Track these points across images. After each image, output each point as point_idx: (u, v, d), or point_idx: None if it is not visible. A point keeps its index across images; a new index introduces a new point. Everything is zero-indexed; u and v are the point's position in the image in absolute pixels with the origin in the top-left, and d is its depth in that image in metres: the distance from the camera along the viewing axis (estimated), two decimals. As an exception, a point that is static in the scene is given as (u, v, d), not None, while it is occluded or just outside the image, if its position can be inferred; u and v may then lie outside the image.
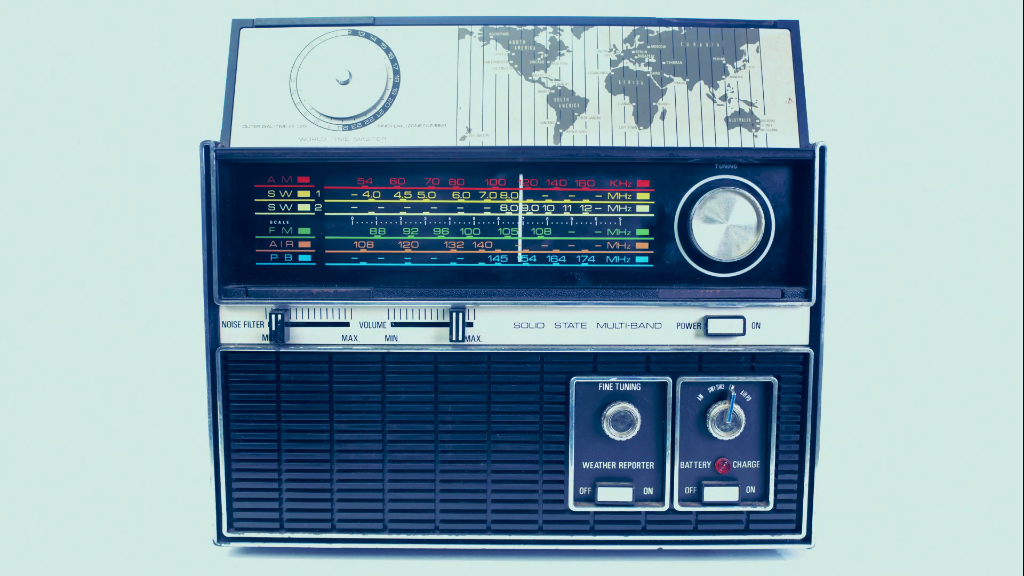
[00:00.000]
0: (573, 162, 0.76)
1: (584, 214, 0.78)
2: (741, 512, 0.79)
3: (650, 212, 0.77)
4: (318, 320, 0.77)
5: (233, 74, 0.78)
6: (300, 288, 0.76)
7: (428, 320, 0.77)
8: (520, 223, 0.77)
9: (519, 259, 0.78)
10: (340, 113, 0.77)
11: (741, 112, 0.77)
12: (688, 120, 0.77)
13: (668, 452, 0.78)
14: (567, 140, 0.76)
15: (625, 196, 0.77)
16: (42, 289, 1.31)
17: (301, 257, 0.78)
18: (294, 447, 0.78)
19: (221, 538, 0.79)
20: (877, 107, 1.31)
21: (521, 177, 0.77)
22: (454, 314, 0.75)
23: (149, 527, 0.86)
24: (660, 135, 0.76)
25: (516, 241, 0.78)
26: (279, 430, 0.78)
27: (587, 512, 0.79)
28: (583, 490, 0.79)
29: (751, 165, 0.76)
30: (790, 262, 0.77)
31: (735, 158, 0.76)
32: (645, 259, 0.78)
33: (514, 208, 0.77)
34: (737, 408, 0.77)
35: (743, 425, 0.77)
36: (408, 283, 0.78)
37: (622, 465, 0.79)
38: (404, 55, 0.78)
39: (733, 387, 0.78)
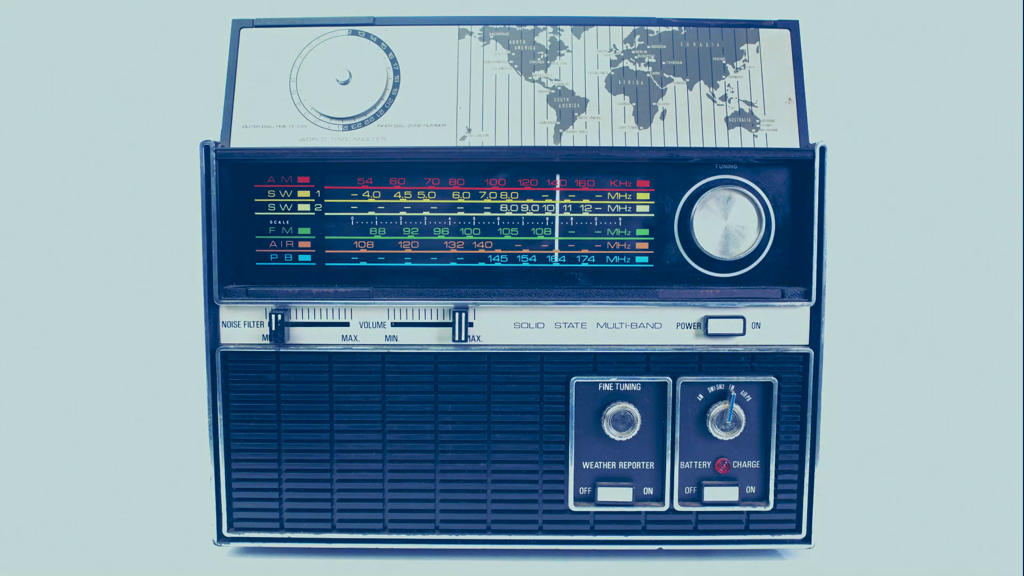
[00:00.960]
0: (573, 162, 0.76)
1: (584, 214, 0.78)
2: (741, 512, 0.79)
3: (650, 212, 0.77)
4: (318, 320, 0.77)
5: (233, 74, 0.78)
6: (300, 288, 0.76)
7: (428, 320, 0.77)
8: (557, 223, 0.77)
9: (555, 259, 0.77)
10: (340, 113, 0.77)
11: (741, 112, 0.77)
12: (688, 120, 0.77)
13: (668, 452, 0.78)
14: (567, 140, 0.76)
15: (625, 196, 0.77)
16: (42, 289, 1.31)
17: (301, 257, 0.78)
18: (294, 447, 0.78)
19: (221, 538, 0.79)
20: (877, 107, 1.31)
21: (558, 177, 0.77)
22: (457, 314, 0.75)
23: (149, 527, 0.86)
24: (660, 135, 0.76)
25: (552, 241, 0.77)
26: (279, 430, 0.78)
27: (587, 512, 0.79)
28: (583, 490, 0.79)
29: (751, 165, 0.76)
30: (790, 262, 0.77)
31: (735, 158, 0.76)
32: (645, 259, 0.78)
33: (515, 208, 0.77)
34: (737, 408, 0.77)
35: (743, 425, 0.77)
36: (408, 283, 0.78)
37: (622, 465, 0.79)
38: (404, 55, 0.78)
39: (733, 387, 0.78)
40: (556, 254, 0.77)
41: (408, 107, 0.77)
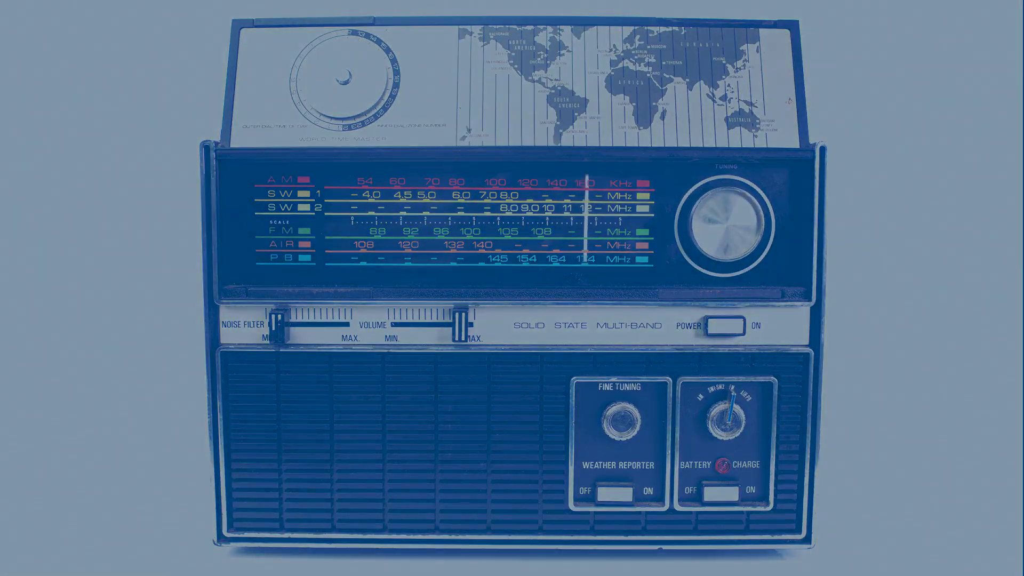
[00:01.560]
0: (573, 162, 0.76)
1: (584, 214, 0.77)
2: (741, 512, 0.79)
3: (650, 212, 0.77)
4: (318, 320, 0.77)
5: (233, 74, 0.78)
6: (300, 288, 0.76)
7: (428, 320, 0.77)
8: (586, 224, 0.77)
9: (583, 259, 0.77)
10: (340, 113, 0.77)
11: (741, 112, 0.77)
12: (688, 120, 0.77)
13: (668, 452, 0.78)
14: (567, 140, 0.76)
15: (625, 196, 0.77)
16: (42, 289, 1.31)
17: (301, 257, 0.78)
18: (294, 447, 0.78)
19: (221, 538, 0.79)
20: (877, 107, 1.31)
21: (587, 177, 0.77)
22: (457, 314, 0.75)
23: (149, 527, 0.86)
24: (660, 135, 0.76)
25: (582, 241, 0.77)
26: (279, 430, 0.78)
27: (587, 512, 0.79)
28: (583, 490, 0.79)
29: (751, 165, 0.76)
30: (790, 262, 0.77)
31: (735, 158, 0.76)
32: (645, 259, 0.78)
33: (515, 208, 0.77)
34: (737, 408, 0.77)
35: (743, 425, 0.77)
36: (408, 283, 0.78)
37: (622, 465, 0.79)
38: (404, 55, 0.78)
39: (733, 387, 0.78)
40: (584, 254, 0.77)
41: (408, 107, 0.77)
